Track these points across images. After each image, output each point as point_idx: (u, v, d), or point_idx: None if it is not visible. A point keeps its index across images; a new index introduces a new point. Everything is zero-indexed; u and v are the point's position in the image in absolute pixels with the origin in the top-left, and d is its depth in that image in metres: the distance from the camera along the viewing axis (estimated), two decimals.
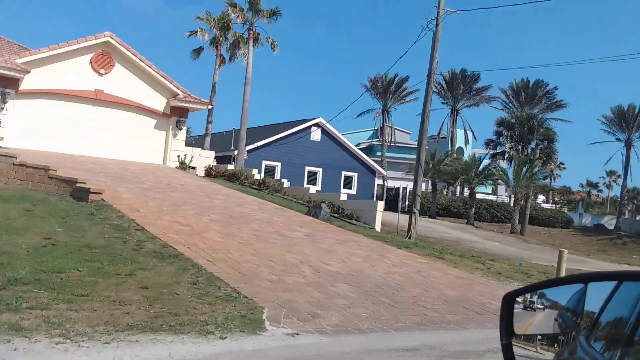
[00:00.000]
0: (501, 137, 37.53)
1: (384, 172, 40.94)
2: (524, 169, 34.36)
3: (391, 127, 48.60)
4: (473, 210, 36.92)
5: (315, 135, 37.58)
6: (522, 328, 1.89)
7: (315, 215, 17.47)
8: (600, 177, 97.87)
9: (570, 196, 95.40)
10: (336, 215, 19.17)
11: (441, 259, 13.84)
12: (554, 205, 60.04)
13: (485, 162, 38.83)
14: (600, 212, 63.51)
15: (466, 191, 50.01)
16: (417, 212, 20.73)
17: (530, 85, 47.20)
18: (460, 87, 46.73)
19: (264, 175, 34.97)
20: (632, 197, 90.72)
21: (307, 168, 37.26)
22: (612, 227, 48.52)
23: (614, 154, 48.42)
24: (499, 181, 37.40)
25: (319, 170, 37.74)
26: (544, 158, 36.87)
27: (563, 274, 14.03)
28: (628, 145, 48.57)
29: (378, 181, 44.30)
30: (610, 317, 1.65)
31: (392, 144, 49.43)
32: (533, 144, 37.77)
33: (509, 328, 1.88)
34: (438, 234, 26.88)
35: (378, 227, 19.08)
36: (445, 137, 47.90)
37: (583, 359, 1.63)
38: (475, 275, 12.40)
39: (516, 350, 1.84)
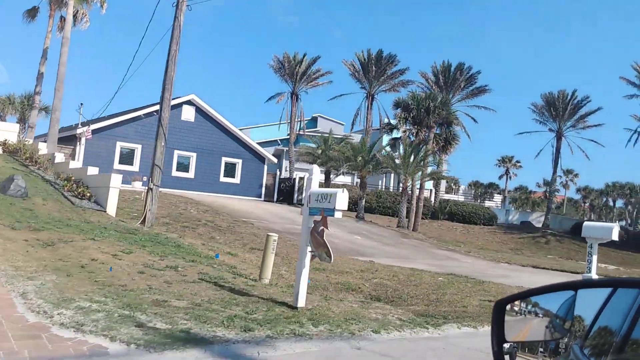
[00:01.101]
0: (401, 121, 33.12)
1: (274, 160, 36.29)
2: (414, 155, 29.94)
3: (301, 112, 43.96)
4: (363, 202, 32.44)
5: (188, 114, 32.83)
6: (513, 335, 1.90)
7: (3, 191, 12.78)
8: (557, 176, 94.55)
9: (529, 195, 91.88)
10: (71, 192, 14.51)
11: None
12: (475, 200, 55.96)
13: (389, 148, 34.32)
14: (538, 209, 59.48)
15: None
16: (155, 188, 15.96)
17: (452, 69, 42.87)
18: (373, 70, 42.28)
19: (119, 160, 30.32)
20: (585, 195, 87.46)
21: (177, 152, 32.51)
22: (540, 225, 44.50)
23: (544, 146, 44.17)
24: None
25: (193, 155, 33.00)
26: (442, 143, 32.51)
27: (270, 263, 9.59)
28: (559, 136, 44.53)
29: (285, 173, 39.81)
30: (603, 325, 1.64)
31: (302, 133, 44.94)
32: (440, 129, 33.42)
33: (500, 335, 1.90)
34: (268, 225, 22.26)
35: (112, 210, 14.36)
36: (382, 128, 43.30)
37: None
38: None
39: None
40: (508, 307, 1.93)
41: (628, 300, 1.58)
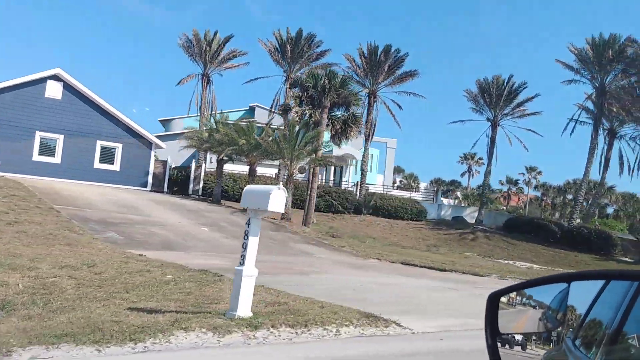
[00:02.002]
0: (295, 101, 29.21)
1: (163, 145, 32.28)
2: (302, 138, 26.08)
3: (213, 96, 39.96)
4: (220, 188, 28.87)
5: (53, 90, 28.75)
6: (507, 327, 1.92)
7: None
8: (520, 174, 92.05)
9: (492, 194, 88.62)
10: None
11: None
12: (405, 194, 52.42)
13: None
14: (468, 203, 55.98)
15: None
16: None
17: (379, 52, 39.11)
18: (289, 50, 38.40)
19: None
20: (543, 193, 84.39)
21: (40, 134, 28.40)
22: (473, 221, 40.96)
23: (480, 137, 40.60)
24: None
25: (59, 137, 28.91)
26: (340, 126, 28.65)
27: None
28: (494, 125, 40.98)
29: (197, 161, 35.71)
30: (596, 317, 1.66)
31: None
32: (342, 111, 29.55)
33: (493, 328, 1.92)
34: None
35: None
36: (272, 110, 39.36)
37: None
38: None
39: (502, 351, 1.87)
40: (502, 299, 1.96)
41: (620, 293, 1.59)
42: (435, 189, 50.43)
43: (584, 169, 37.88)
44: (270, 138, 26.92)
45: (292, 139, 25.52)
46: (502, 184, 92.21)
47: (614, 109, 36.73)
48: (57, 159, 28.89)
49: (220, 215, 24.14)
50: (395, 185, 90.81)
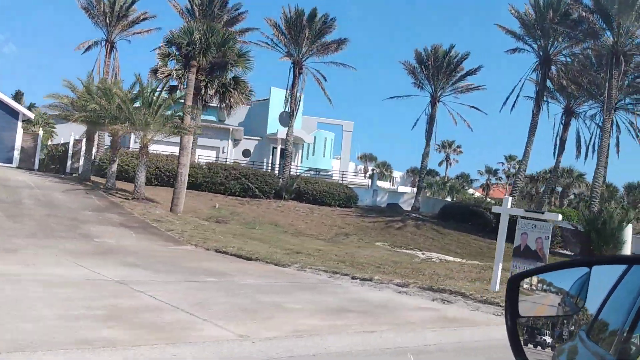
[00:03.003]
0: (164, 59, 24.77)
1: (31, 115, 28.01)
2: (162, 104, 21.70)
3: (116, 65, 35.60)
4: (89, 165, 24.62)
5: None
6: (527, 310, 1.91)
7: None
8: (499, 163, 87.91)
9: (470, 185, 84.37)
10: None
11: None
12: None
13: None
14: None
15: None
16: None
17: (305, 16, 34.77)
18: (196, 12, 34.04)
19: None
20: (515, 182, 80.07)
21: None
22: (410, 208, 36.73)
23: (420, 115, 36.17)
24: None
25: None
26: (217, 91, 24.37)
27: None
28: (433, 101, 36.63)
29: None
30: (615, 302, 1.63)
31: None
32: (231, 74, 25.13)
33: (513, 310, 1.91)
34: None
35: None
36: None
37: (583, 352, 1.62)
38: None
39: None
40: (522, 283, 1.94)
41: None
42: (371, 174, 46.01)
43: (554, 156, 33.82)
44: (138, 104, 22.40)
45: (146, 104, 21.20)
46: (480, 174, 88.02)
47: (564, 82, 32.31)
48: None
49: (40, 192, 19.89)
50: (368, 174, 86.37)
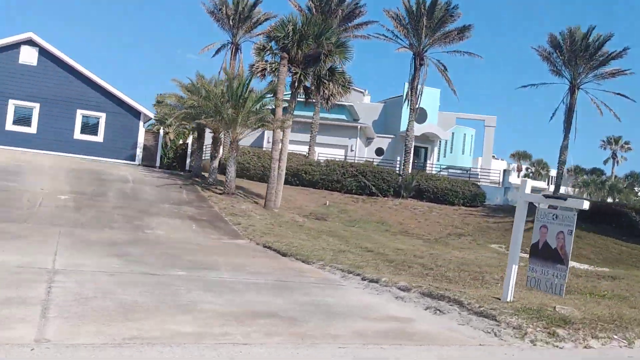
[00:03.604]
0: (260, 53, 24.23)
1: (151, 115, 29.54)
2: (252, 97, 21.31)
3: (241, 67, 36.54)
4: (199, 161, 24.65)
5: (28, 56, 27.38)
6: None
7: None
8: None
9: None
10: None
11: None
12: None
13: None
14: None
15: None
16: None
17: (427, 5, 32.77)
18: (318, 9, 33.63)
19: None
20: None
21: (13, 102, 27.22)
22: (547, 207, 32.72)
23: (558, 105, 32.33)
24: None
25: (35, 106, 27.51)
26: (313, 82, 23.21)
27: None
28: (572, 89, 32.35)
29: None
30: None
31: None
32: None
33: None
34: None
35: None
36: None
37: None
38: None
39: None
40: None
41: None
42: (503, 170, 41.82)
43: None
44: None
45: (234, 96, 21.03)
46: None
47: None
48: (33, 129, 27.53)
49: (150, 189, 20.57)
50: (521, 172, 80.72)
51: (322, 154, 38.36)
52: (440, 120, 47.13)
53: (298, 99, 25.39)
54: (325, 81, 23.14)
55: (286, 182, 32.41)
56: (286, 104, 24.63)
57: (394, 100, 47.63)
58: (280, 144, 22.67)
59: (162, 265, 9.31)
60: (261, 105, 21.85)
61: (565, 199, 7.38)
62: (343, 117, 44.15)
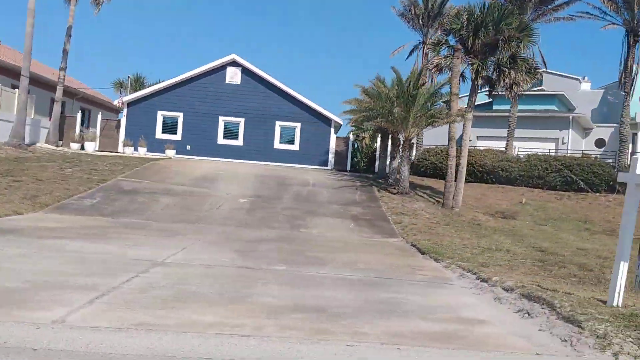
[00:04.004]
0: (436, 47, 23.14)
1: (341, 122, 30.64)
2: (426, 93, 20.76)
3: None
4: (384, 164, 24.45)
5: (233, 76, 30.60)
6: None
7: None
8: None
9: None
10: None
11: None
12: None
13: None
14: None
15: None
16: None
17: None
18: None
19: (163, 128, 30.50)
20: None
21: (223, 118, 30.66)
22: None
23: None
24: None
25: (240, 120, 30.62)
26: (494, 72, 21.44)
27: None
28: None
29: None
30: None
31: None
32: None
33: None
34: None
35: None
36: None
37: None
38: None
39: None
40: None
41: None
42: None
43: None
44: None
45: (403, 95, 20.83)
46: None
47: None
48: (239, 142, 30.59)
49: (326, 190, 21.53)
50: None
51: (526, 148, 35.80)
52: None
53: (482, 92, 24.15)
54: (505, 69, 21.59)
55: (481, 180, 31.11)
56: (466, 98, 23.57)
57: (615, 85, 42.42)
58: (459, 140, 21.76)
59: (275, 260, 9.65)
60: (433, 101, 21.26)
61: None
62: (553, 107, 40.72)
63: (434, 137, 39.92)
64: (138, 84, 39.56)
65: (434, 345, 5.19)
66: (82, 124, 31.16)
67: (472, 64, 22.21)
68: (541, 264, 11.10)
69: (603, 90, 45.26)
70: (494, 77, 22.16)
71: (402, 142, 22.07)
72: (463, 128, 23.63)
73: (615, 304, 6.21)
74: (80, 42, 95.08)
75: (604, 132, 42.06)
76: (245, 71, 30.47)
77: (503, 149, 33.13)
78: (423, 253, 11.95)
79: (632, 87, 39.68)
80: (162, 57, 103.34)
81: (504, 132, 34.92)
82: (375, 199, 20.60)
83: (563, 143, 39.12)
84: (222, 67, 30.42)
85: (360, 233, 15.19)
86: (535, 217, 24.69)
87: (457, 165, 23.47)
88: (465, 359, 4.95)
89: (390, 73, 37.61)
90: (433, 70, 22.94)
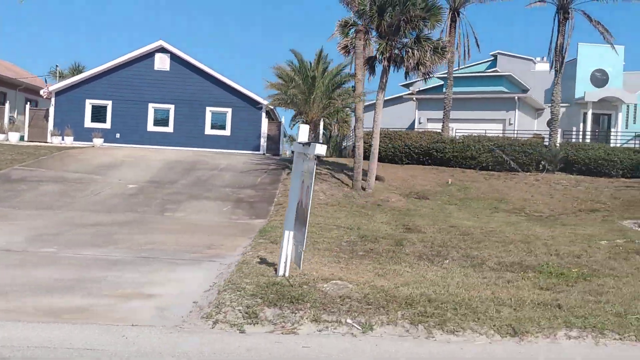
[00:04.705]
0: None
1: (267, 104, 30.36)
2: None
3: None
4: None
5: (161, 63, 30.38)
6: None
7: None
8: None
9: None
10: None
11: None
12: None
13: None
14: None
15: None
16: None
17: None
18: None
19: (92, 117, 30.31)
20: None
21: (152, 105, 30.47)
22: None
23: None
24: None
25: (170, 107, 30.44)
26: (397, 54, 21.25)
27: None
28: None
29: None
30: None
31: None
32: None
33: None
34: None
35: None
36: None
37: None
38: None
39: None
40: None
41: None
42: None
43: None
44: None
45: (305, 78, 20.69)
46: None
47: None
48: (169, 128, 30.44)
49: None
50: None
51: (473, 130, 35.50)
52: (628, 82, 40.58)
53: (395, 74, 23.94)
54: (409, 49, 21.44)
55: (418, 162, 31.11)
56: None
57: (568, 64, 42.23)
58: (365, 121, 21.66)
59: (72, 243, 9.61)
60: (335, 83, 21.12)
61: (308, 144, 5.83)
62: (502, 88, 40.53)
63: (391, 121, 39.97)
64: (76, 72, 39.23)
65: (56, 320, 5.13)
66: (13, 114, 30.97)
67: (380, 45, 22.03)
68: (361, 240, 11.07)
69: (555, 70, 45.08)
70: (397, 57, 21.97)
71: (308, 123, 21.92)
72: (375, 109, 23.53)
73: (282, 273, 6.15)
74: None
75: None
76: (174, 57, 30.26)
77: (461, 130, 33.07)
78: (262, 232, 11.89)
79: (576, 67, 39.65)
80: (102, 45, 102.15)
81: (455, 113, 34.91)
82: (277, 182, 20.51)
83: (510, 124, 38.99)
84: (151, 54, 30.20)
85: (230, 215, 15.13)
86: (452, 197, 24.67)
87: (370, 146, 23.41)
88: (73, 328, 4.89)
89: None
90: (341, 52, 22.73)
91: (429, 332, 5.07)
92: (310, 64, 21.19)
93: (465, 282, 7.32)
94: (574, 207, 23.36)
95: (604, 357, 4.88)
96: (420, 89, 43.23)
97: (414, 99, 41.62)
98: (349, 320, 4.99)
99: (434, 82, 42.39)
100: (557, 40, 29.29)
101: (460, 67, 45.37)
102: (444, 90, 40.63)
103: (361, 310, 5.16)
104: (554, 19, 29.71)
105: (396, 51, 22.25)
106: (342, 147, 35.37)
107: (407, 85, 43.87)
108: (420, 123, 40.69)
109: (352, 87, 22.36)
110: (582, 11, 28.84)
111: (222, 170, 22.40)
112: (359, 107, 21.64)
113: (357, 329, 4.90)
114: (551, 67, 31.08)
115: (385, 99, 47.34)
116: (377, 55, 22.08)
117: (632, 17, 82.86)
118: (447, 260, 9.31)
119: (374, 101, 46.88)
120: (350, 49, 22.47)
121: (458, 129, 35.23)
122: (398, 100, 44.66)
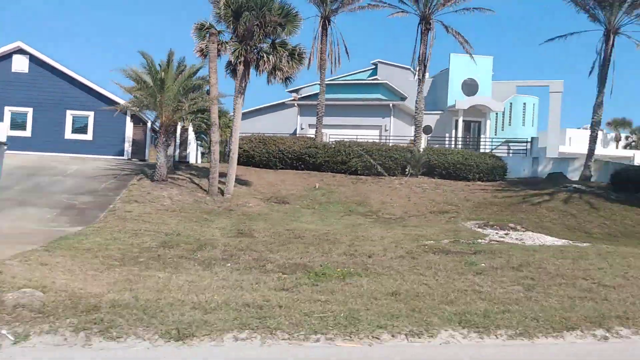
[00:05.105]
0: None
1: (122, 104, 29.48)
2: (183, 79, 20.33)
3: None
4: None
5: (20, 64, 28.71)
6: None
7: None
8: None
9: None
10: None
11: None
12: None
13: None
14: None
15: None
16: None
17: None
18: None
19: None
20: None
21: (9, 109, 28.68)
22: (579, 177, 28.47)
23: (595, 60, 27.59)
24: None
25: (29, 110, 28.79)
26: (257, 58, 21.43)
27: None
28: (608, 34, 27.52)
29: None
30: None
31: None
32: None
33: None
34: None
35: None
36: None
37: None
38: None
39: None
40: None
41: None
42: (529, 139, 36.43)
43: None
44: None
45: (155, 80, 20.20)
46: None
47: None
48: (27, 133, 28.80)
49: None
50: (620, 142, 72.27)
51: (350, 135, 36.14)
52: (497, 91, 42.94)
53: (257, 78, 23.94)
54: (264, 54, 21.52)
55: (292, 167, 31.26)
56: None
57: (442, 73, 44.27)
58: (219, 126, 21.46)
59: None
60: (186, 86, 20.81)
61: None
62: (379, 95, 41.65)
63: (275, 126, 40.06)
64: None
65: None
66: None
67: (235, 49, 21.96)
68: (158, 247, 10.84)
69: (432, 79, 47.02)
70: (254, 62, 22.01)
71: (159, 128, 21.46)
72: (234, 114, 23.43)
73: None
74: None
75: (431, 119, 43.49)
76: (34, 59, 28.73)
77: (337, 136, 33.45)
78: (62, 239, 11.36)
79: (448, 76, 41.55)
80: None
81: (333, 120, 35.40)
82: (122, 187, 19.87)
83: (386, 130, 40.16)
84: (8, 56, 28.52)
85: (51, 223, 14.43)
86: (314, 201, 25.00)
87: (230, 151, 23.27)
88: None
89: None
90: (198, 55, 22.48)
91: (88, 340, 4.94)
92: (160, 66, 20.74)
93: (198, 285, 7.25)
94: (427, 209, 24.36)
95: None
96: (304, 95, 43.63)
97: (296, 104, 41.93)
98: (3, 331, 4.77)
99: (317, 89, 42.87)
100: (420, 49, 30.43)
101: (343, 75, 46.36)
102: (325, 96, 41.37)
103: (27, 320, 4.95)
104: (417, 29, 30.84)
105: (252, 55, 22.27)
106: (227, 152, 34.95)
107: (295, 91, 44.00)
108: (302, 129, 41.03)
109: (208, 91, 22.13)
110: (440, 22, 30.20)
111: (67, 175, 21.42)
112: (213, 110, 21.42)
113: (10, 339, 4.69)
114: (414, 76, 32.26)
115: (269, 104, 47.65)
116: (232, 59, 22.00)
117: (500, 30, 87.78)
118: (229, 264, 9.28)
119: (258, 107, 46.69)
120: (206, 53, 22.25)
121: (337, 135, 35.74)
122: (282, 106, 44.86)
